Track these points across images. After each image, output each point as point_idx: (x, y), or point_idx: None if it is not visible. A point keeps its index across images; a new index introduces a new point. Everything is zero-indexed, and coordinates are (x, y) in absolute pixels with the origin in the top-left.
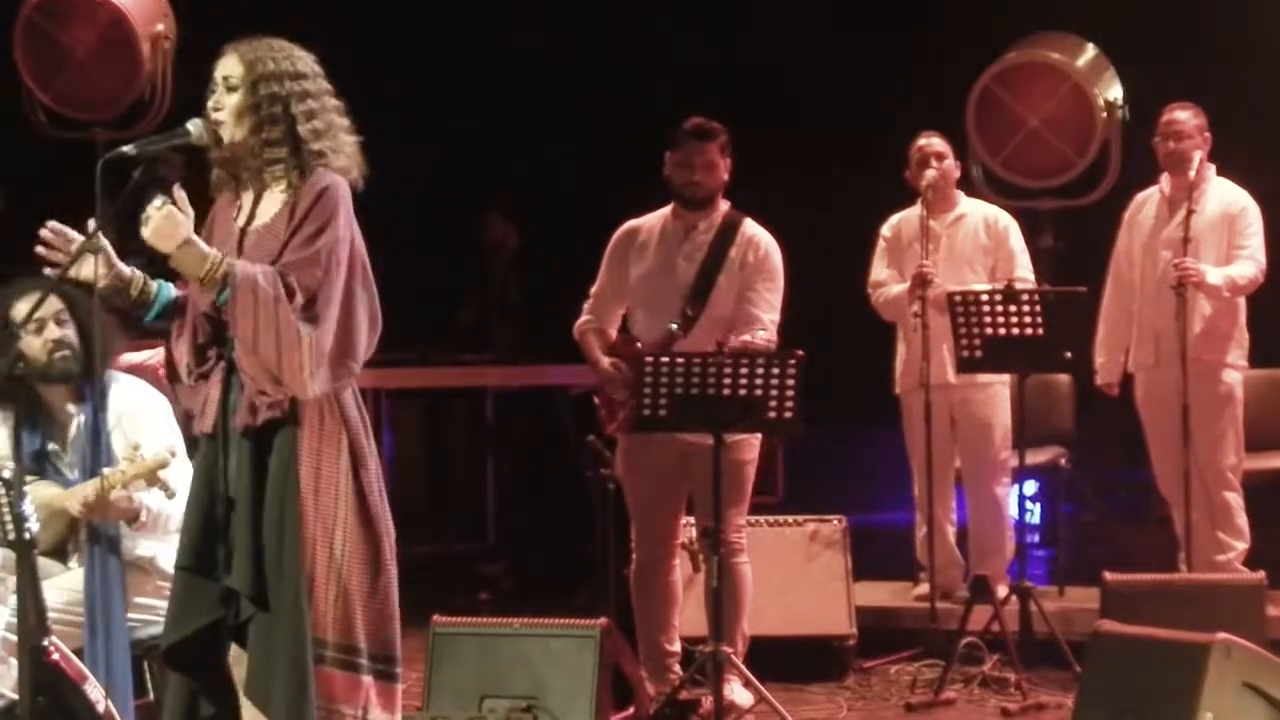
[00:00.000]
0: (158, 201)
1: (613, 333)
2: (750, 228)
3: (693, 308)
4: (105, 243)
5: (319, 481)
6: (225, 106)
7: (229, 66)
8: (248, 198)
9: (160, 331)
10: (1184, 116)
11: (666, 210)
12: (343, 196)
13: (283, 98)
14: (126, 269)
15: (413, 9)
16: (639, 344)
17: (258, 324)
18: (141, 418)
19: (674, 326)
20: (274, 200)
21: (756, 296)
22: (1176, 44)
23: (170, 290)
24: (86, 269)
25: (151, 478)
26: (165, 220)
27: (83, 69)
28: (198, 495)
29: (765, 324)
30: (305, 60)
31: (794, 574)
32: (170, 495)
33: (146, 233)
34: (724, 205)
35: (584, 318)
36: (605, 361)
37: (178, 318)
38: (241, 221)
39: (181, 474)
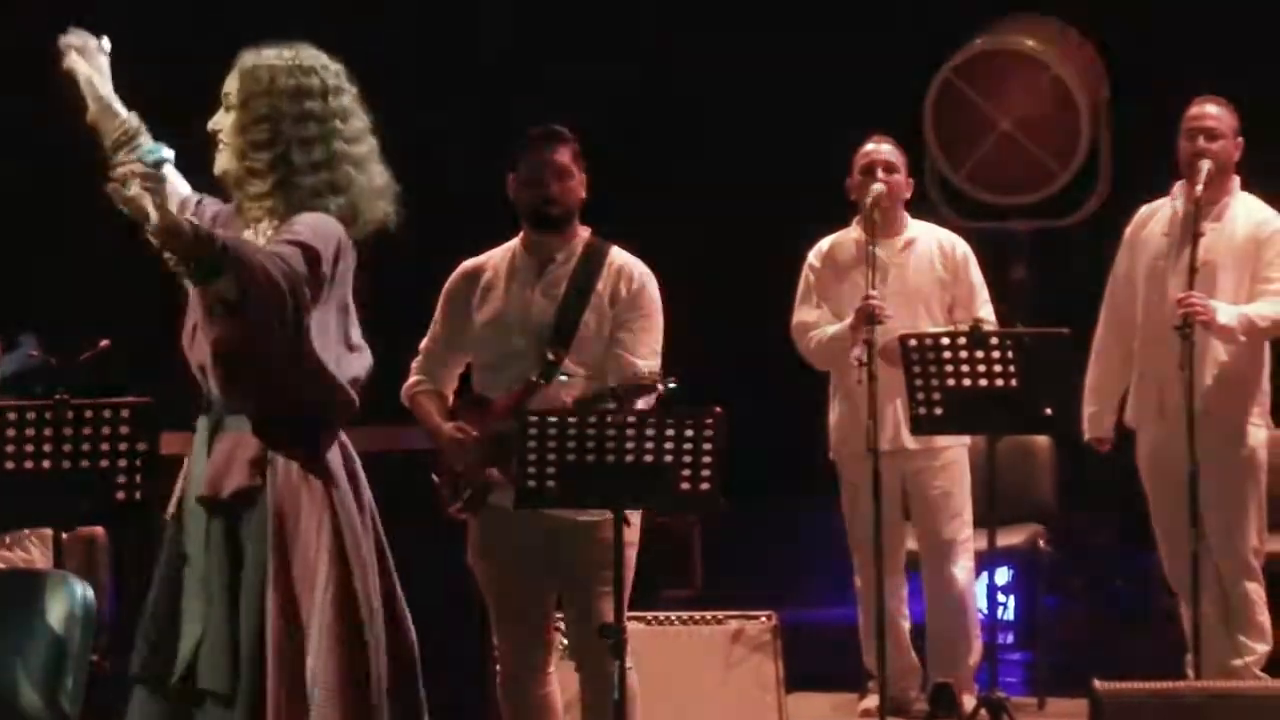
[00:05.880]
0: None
1: (450, 395)
2: (619, 256)
3: (554, 352)
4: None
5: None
6: (224, 126)
7: (229, 80)
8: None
9: None
10: (1217, 112)
11: (514, 243)
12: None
13: (273, 119)
14: (123, 111)
15: None
16: (489, 402)
17: None
18: None
19: (560, 379)
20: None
21: (631, 338)
22: (1178, 29)
23: (163, 154)
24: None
25: None
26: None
27: None
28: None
29: (656, 373)
30: (320, 75)
31: (714, 683)
32: None
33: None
34: (584, 232)
35: (414, 378)
36: (448, 426)
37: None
38: None
39: None
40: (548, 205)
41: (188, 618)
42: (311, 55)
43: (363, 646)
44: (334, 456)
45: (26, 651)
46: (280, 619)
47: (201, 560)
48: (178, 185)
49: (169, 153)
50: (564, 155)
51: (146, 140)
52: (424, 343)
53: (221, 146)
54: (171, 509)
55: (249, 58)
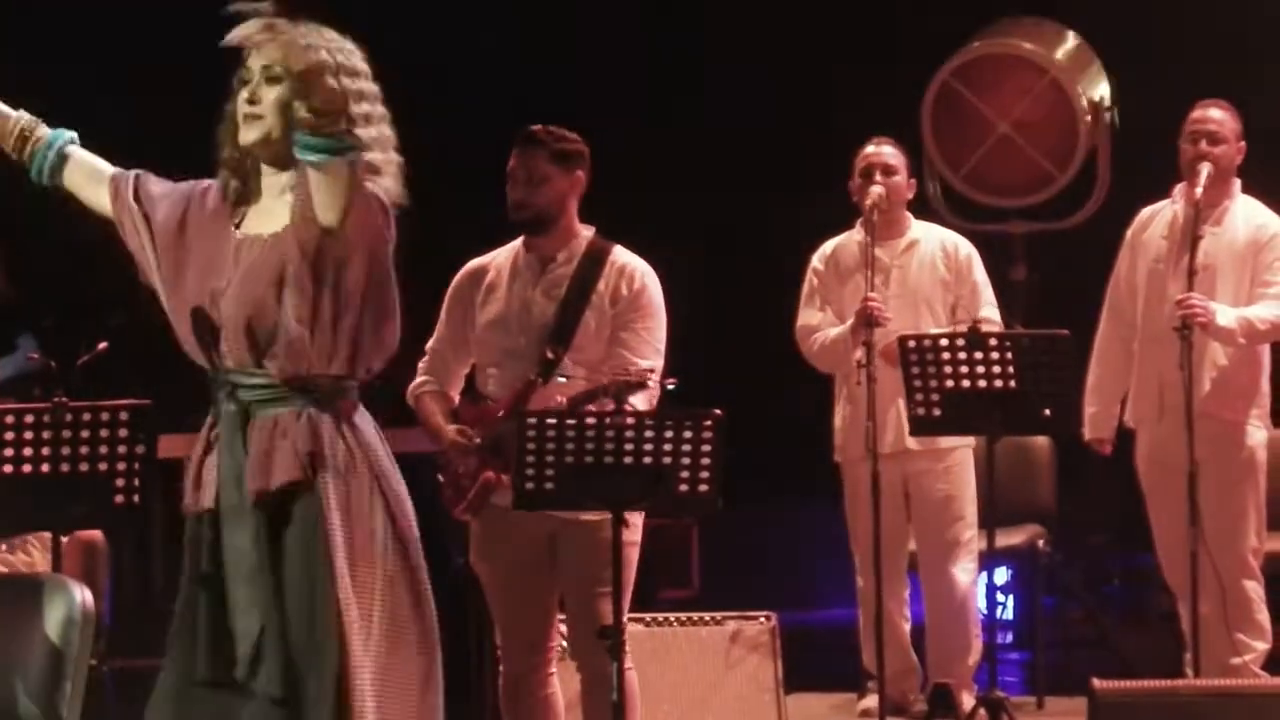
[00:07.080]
0: None
1: (455, 395)
2: (621, 255)
3: (553, 351)
4: None
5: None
6: (264, 100)
7: (271, 53)
8: (253, 208)
9: None
10: (1220, 116)
11: (517, 244)
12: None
13: (334, 93)
14: (10, 110)
15: None
16: (489, 402)
17: None
18: None
19: (558, 379)
20: (275, 210)
21: (633, 338)
22: (1176, 33)
23: (65, 136)
24: None
25: None
26: None
27: None
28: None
29: (644, 370)
30: (358, 55)
31: (712, 684)
32: None
33: None
34: (586, 231)
35: (420, 378)
36: (450, 429)
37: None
38: (239, 232)
39: None
40: (516, 208)
41: (239, 615)
42: (342, 36)
43: (428, 639)
44: (375, 438)
45: (25, 656)
46: (355, 616)
47: (252, 555)
48: (96, 163)
49: (71, 134)
50: (533, 159)
51: (45, 131)
52: (430, 343)
53: (254, 119)
54: (203, 504)
55: (289, 30)
